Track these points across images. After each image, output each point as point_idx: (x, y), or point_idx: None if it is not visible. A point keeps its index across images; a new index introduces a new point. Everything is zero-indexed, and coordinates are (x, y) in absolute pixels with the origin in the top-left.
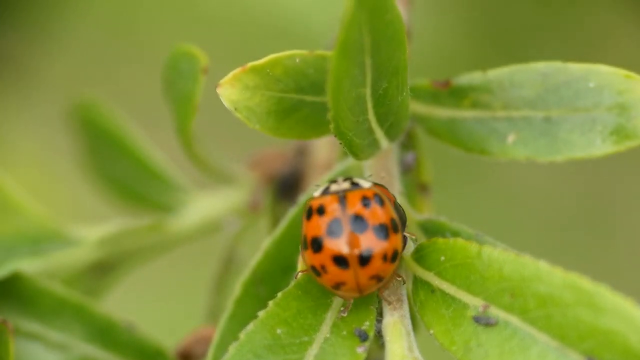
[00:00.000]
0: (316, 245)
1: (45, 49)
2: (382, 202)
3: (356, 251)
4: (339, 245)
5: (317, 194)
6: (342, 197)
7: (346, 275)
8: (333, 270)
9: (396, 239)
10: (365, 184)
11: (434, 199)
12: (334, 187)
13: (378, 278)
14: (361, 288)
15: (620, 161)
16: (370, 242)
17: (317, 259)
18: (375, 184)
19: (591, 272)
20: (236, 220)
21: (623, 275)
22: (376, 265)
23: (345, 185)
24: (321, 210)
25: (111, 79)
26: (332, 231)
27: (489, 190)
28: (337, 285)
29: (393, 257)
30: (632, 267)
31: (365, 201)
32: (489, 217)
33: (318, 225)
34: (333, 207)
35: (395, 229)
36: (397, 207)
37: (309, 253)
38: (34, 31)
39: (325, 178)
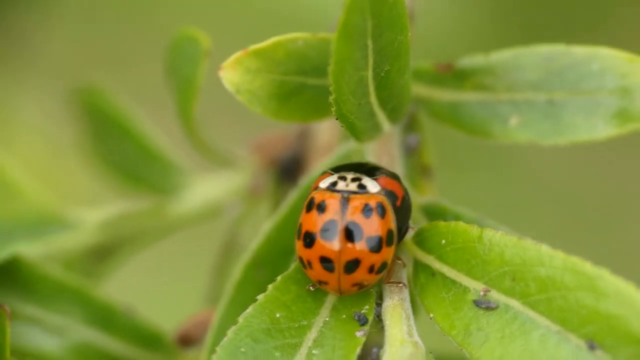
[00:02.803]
0: (308, 240)
1: (49, 26)
2: (384, 212)
3: (344, 258)
4: (329, 248)
5: (323, 185)
6: (345, 199)
7: (330, 276)
8: (318, 268)
9: (388, 252)
10: (373, 187)
11: (436, 181)
12: (340, 185)
13: (360, 285)
14: (342, 291)
15: (626, 141)
16: (360, 252)
17: (306, 253)
18: (386, 176)
19: (597, 254)
20: (237, 203)
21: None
22: (361, 274)
23: (353, 186)
24: (321, 207)
25: (114, 60)
26: (326, 232)
27: (493, 172)
28: (319, 282)
29: (380, 269)
30: None
31: (366, 209)
32: (493, 200)
33: (315, 221)
34: (333, 208)
35: (390, 242)
36: (405, 201)
37: (300, 245)
38: (39, 8)
39: (335, 163)
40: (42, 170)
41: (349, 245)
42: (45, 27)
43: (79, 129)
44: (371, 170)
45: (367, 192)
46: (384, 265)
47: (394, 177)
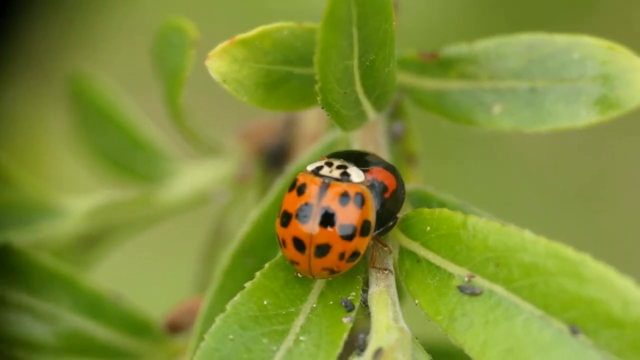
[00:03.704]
0: (285, 219)
1: (38, 17)
2: (362, 202)
3: (315, 242)
4: (302, 230)
5: (310, 168)
6: (324, 185)
7: (301, 257)
8: (291, 248)
9: (361, 242)
10: (357, 177)
11: (421, 168)
12: (325, 170)
13: (331, 270)
14: (313, 273)
15: (611, 126)
16: (331, 238)
17: (281, 232)
18: (381, 167)
19: (580, 239)
20: (225, 191)
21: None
22: (331, 260)
23: (336, 173)
24: (301, 189)
25: (101, 48)
26: (302, 214)
27: (478, 159)
28: (292, 262)
29: (351, 257)
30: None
31: (343, 198)
32: (477, 186)
33: (293, 202)
34: (312, 192)
35: (364, 232)
36: (395, 194)
37: (278, 224)
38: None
39: (323, 151)
40: (31, 159)
41: (321, 229)
42: (33, 15)
43: (67, 117)
44: (368, 160)
45: (349, 181)
46: (355, 254)
47: (389, 169)
